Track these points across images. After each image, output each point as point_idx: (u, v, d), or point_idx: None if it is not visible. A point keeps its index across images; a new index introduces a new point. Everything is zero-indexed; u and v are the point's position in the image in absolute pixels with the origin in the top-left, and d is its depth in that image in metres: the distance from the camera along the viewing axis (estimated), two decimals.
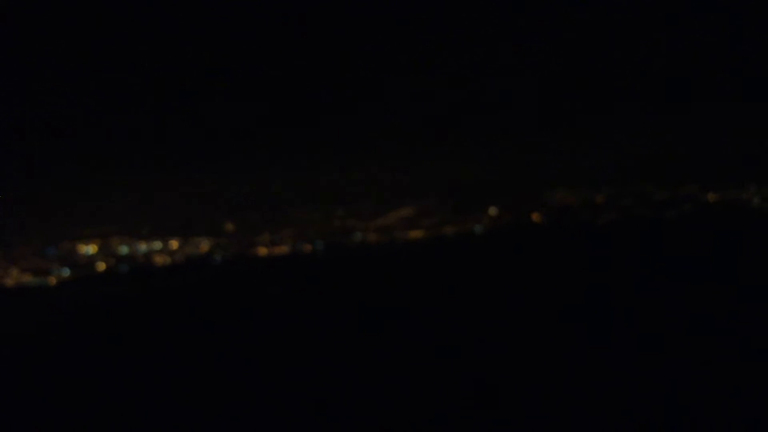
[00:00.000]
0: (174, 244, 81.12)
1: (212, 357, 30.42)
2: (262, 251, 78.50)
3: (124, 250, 79.69)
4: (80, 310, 61.01)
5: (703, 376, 18.45)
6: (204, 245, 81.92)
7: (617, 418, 15.96)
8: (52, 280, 73.52)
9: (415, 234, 76.06)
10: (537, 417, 16.56)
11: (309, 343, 31.06)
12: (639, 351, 22.50)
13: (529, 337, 26.58)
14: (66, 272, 75.05)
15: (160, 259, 79.28)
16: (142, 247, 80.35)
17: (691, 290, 32.55)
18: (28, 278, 72.92)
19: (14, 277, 73.21)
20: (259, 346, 31.46)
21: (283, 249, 78.29)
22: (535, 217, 76.52)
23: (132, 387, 25.77)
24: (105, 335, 42.72)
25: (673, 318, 26.93)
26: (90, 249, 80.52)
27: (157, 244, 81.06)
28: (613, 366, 21.06)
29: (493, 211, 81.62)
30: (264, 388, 23.34)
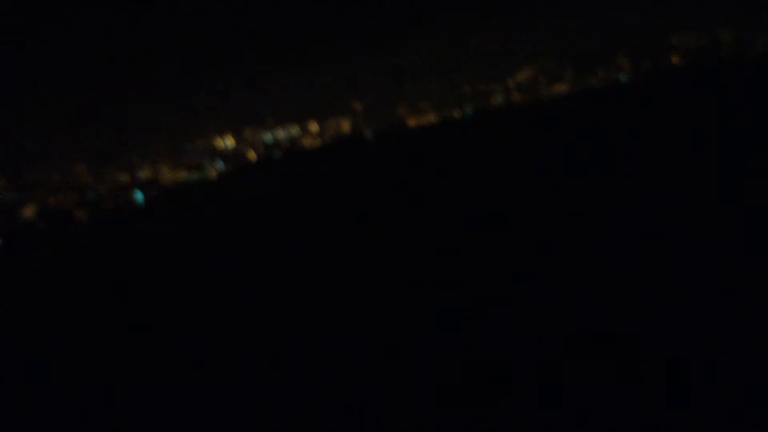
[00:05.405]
0: (313, 126, 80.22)
1: (386, 224, 30.60)
2: (412, 122, 76.86)
3: (268, 137, 79.26)
4: (246, 200, 61.68)
5: None
6: (344, 124, 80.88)
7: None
8: (213, 174, 73.75)
9: (560, 88, 74.57)
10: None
11: (472, 206, 30.93)
12: None
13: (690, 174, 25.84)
14: (221, 165, 75.31)
15: (308, 142, 78.79)
16: (281, 134, 79.87)
17: None
18: (182, 174, 73.02)
19: (168, 174, 73.39)
20: (426, 213, 31.41)
21: (431, 118, 76.80)
22: (675, 60, 74.82)
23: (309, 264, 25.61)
24: (276, 222, 43.38)
25: None
26: (227, 141, 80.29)
27: (296, 129, 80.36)
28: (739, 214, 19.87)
29: (623, 60, 79.88)
30: (436, 252, 22.93)
